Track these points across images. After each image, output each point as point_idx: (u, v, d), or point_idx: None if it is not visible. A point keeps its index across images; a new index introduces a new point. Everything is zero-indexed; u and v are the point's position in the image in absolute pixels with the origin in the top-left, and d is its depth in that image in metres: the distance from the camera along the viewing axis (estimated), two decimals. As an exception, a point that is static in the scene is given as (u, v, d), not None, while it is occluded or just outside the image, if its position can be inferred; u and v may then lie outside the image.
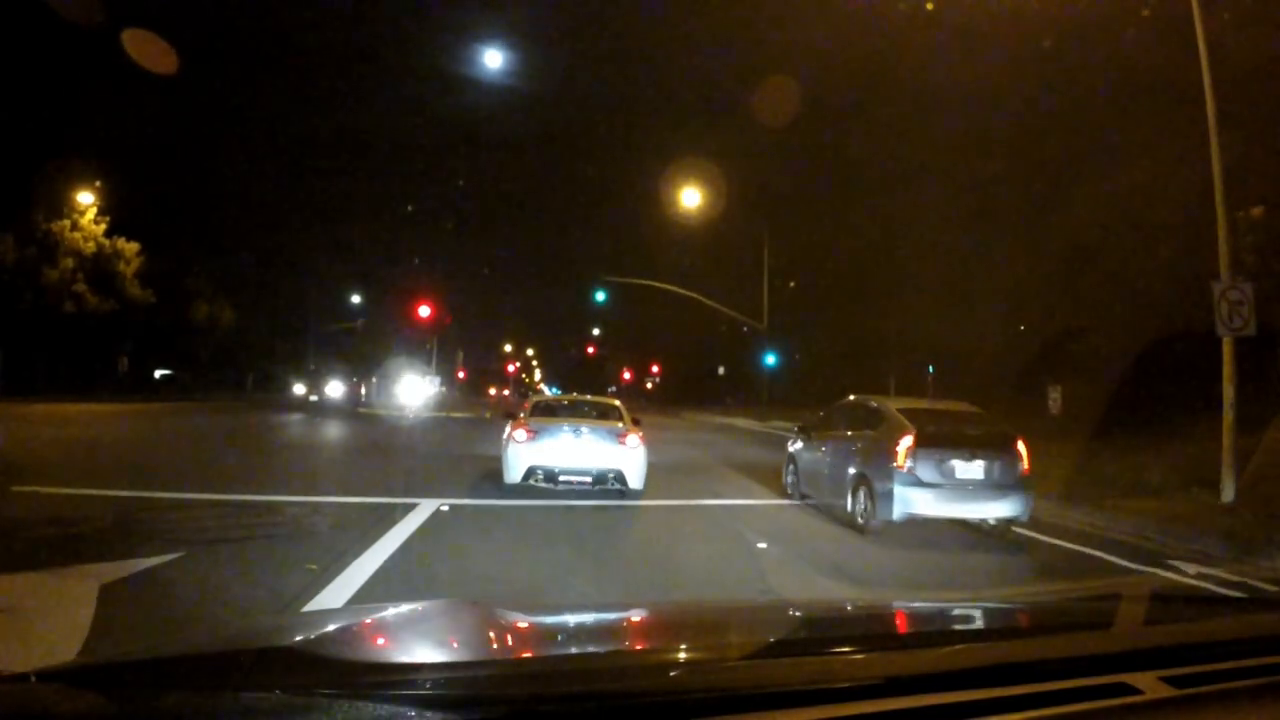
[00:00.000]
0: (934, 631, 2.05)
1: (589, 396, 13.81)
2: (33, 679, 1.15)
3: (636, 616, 2.34)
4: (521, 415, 10.72)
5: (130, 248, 40.81)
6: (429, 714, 1.08)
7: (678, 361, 73.19)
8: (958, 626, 2.09)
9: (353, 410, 30.63)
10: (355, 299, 74.51)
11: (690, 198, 34.73)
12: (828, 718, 1.21)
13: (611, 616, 2.35)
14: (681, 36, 57.90)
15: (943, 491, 8.38)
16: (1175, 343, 17.53)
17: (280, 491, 9.48)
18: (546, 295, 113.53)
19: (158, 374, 54.67)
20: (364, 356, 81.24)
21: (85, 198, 38.91)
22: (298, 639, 1.55)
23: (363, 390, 33.75)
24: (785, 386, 46.28)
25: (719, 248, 50.98)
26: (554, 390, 73.23)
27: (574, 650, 1.84)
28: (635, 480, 9.99)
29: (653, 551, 7.58)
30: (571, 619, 2.23)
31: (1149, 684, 1.37)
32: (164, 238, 43.84)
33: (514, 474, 9.91)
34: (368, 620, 1.79)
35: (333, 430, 22.71)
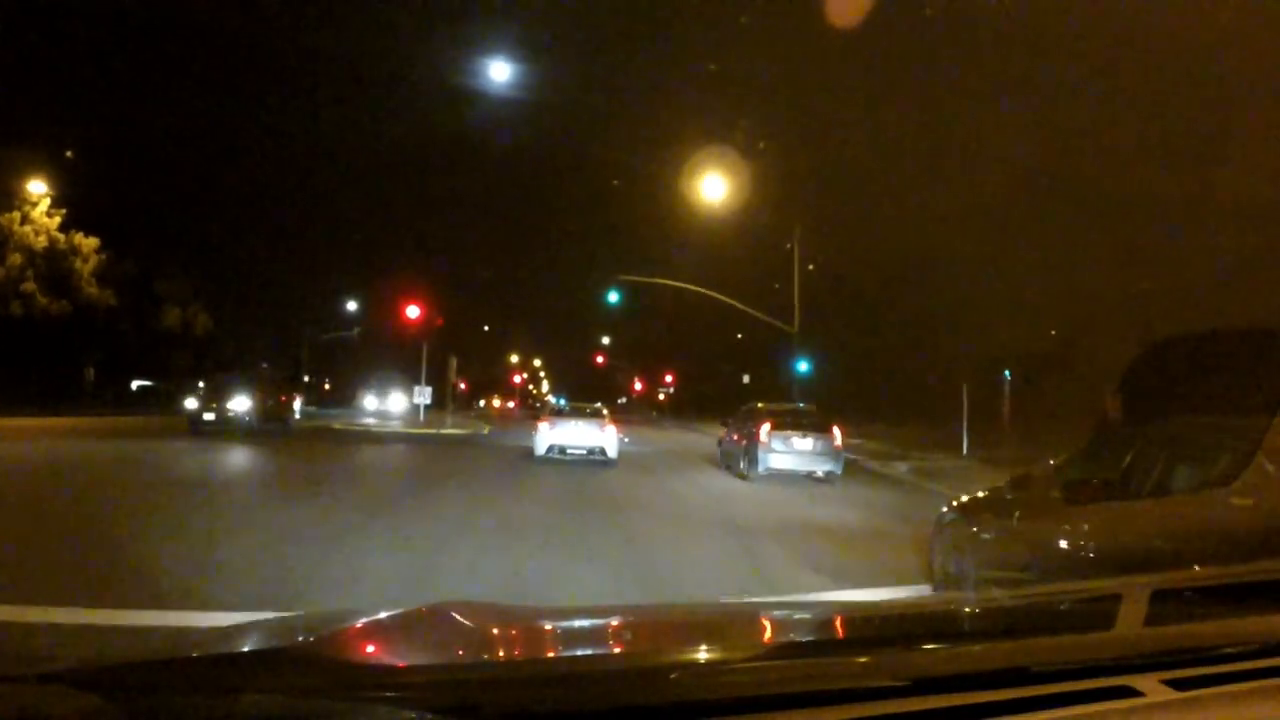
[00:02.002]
0: (933, 633, 1.85)
1: (588, 405, 19.75)
2: (32, 680, 1.13)
3: (639, 618, 2.25)
4: (545, 416, 18.46)
5: (88, 243, 36.59)
6: (430, 716, 1.07)
7: (696, 371, 68.83)
8: (958, 627, 2.03)
9: (280, 430, 22.22)
10: (351, 306, 70.83)
11: (712, 187, 30.67)
12: (826, 719, 1.21)
13: (613, 618, 2.22)
14: (697, 22, 53.66)
15: (788, 456, 14.52)
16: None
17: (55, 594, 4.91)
18: (554, 306, 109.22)
19: (135, 385, 50.55)
20: (359, 364, 77.72)
21: (37, 187, 34.70)
22: (297, 641, 1.53)
23: (296, 404, 25.32)
24: (827, 397, 41.73)
25: (743, 247, 46.62)
26: (561, 401, 70.24)
27: (575, 652, 1.79)
28: (612, 452, 16.84)
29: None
30: (573, 621, 2.13)
31: (1150, 686, 1.36)
32: (134, 237, 39.78)
33: (540, 450, 16.71)
34: (369, 622, 1.67)
35: (237, 459, 15.82)
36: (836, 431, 14.88)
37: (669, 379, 75.14)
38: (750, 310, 37.97)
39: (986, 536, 5.10)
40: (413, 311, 29.53)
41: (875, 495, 13.58)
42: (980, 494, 5.75)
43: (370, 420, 34.38)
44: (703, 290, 37.59)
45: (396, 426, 28.82)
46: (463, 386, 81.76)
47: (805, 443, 14.57)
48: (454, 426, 28.32)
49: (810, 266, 38.85)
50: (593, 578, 6.31)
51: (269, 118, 61.19)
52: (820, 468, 14.69)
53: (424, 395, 29.72)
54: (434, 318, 29.47)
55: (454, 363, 29.14)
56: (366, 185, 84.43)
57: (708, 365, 64.03)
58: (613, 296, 36.23)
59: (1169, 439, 4.11)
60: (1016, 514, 4.93)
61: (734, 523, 9.70)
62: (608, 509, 10.43)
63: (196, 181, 46.72)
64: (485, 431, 28.40)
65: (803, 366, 38.16)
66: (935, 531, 5.87)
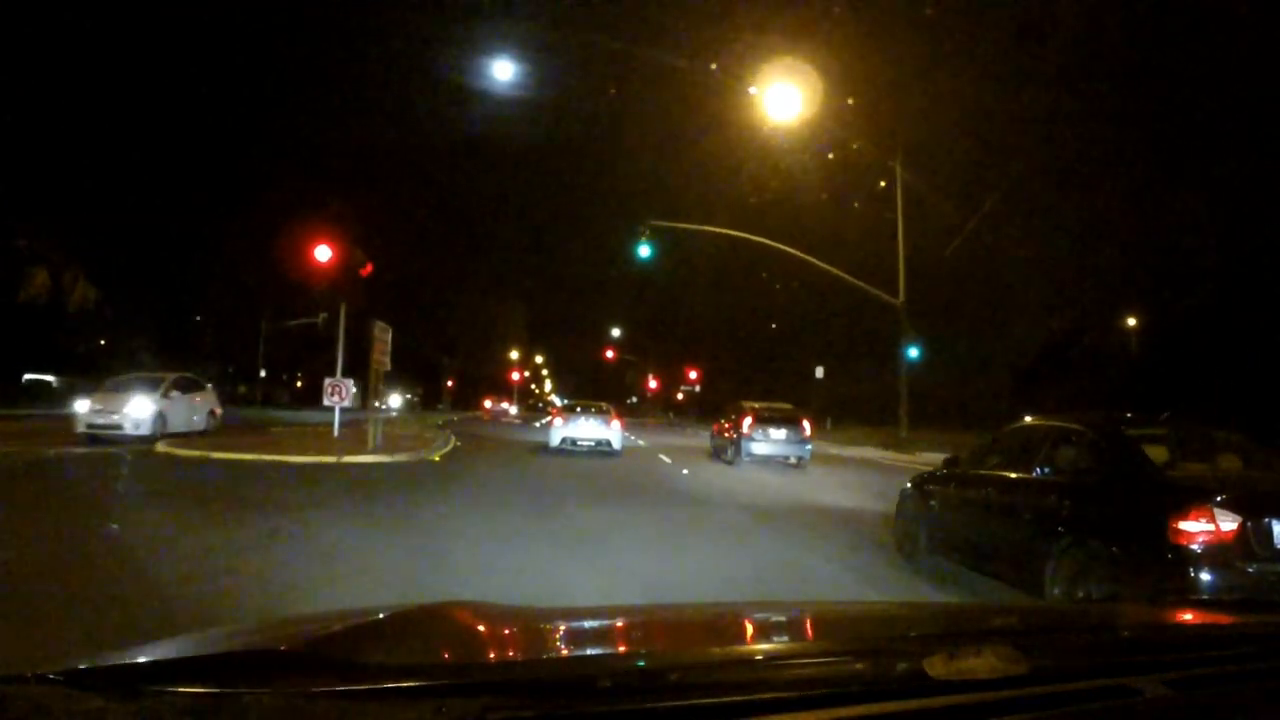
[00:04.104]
0: (933, 634, 1.84)
1: (595, 404, 21.66)
2: (31, 680, 1.12)
3: (639, 618, 2.20)
4: (558, 412, 22.56)
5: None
6: (430, 717, 1.06)
7: (735, 363, 57.03)
8: (958, 628, 1.96)
9: None
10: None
11: (780, 102, 20.28)
12: (826, 719, 1.20)
13: (613, 619, 2.17)
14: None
15: (765, 444, 17.34)
16: None
17: None
18: (559, 294, 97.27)
19: (26, 378, 38.93)
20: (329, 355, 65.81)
21: None
22: (299, 640, 1.50)
23: None
24: (940, 393, 30.08)
25: (809, 203, 34.67)
26: (563, 402, 59.68)
27: (575, 653, 1.75)
28: (617, 444, 19.49)
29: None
30: (573, 622, 2.05)
31: (1149, 686, 1.35)
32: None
33: (554, 441, 19.33)
34: (369, 622, 1.63)
35: None
36: (806, 424, 17.92)
37: (693, 375, 63.36)
38: (831, 269, 26.27)
39: (933, 504, 6.84)
40: (323, 254, 17.81)
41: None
42: (928, 473, 7.53)
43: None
44: (763, 240, 26.04)
45: (165, 447, 14.98)
46: (449, 384, 70.24)
47: (780, 433, 17.49)
48: (389, 450, 16.24)
49: (882, 184, 26.99)
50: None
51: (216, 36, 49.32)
52: (792, 454, 17.71)
53: (344, 393, 17.87)
54: (357, 262, 17.58)
55: (384, 335, 17.12)
56: (341, 151, 72.40)
57: (758, 356, 52.33)
58: (644, 251, 25.58)
59: (1046, 433, 5.83)
60: (951, 486, 6.70)
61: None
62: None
63: (108, 121, 35.20)
64: (436, 458, 16.45)
65: (913, 352, 27.50)
66: (899, 502, 7.62)
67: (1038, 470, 5.54)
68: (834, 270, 26.42)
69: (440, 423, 33.59)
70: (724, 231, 26.88)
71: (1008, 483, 5.84)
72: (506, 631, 1.77)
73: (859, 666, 1.36)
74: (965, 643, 1.39)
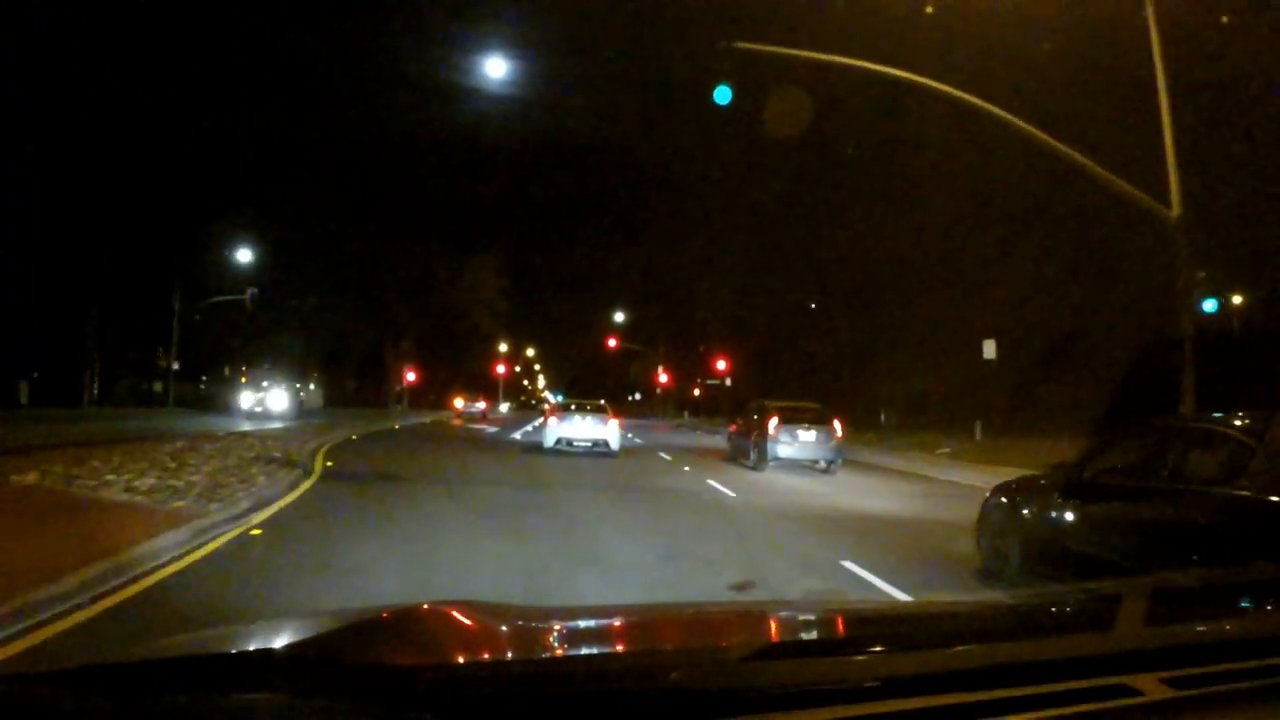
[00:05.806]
0: (934, 632, 1.92)
1: (591, 401, 20.88)
2: (31, 680, 1.14)
3: (634, 617, 2.25)
4: (553, 410, 21.31)
5: None
6: (429, 716, 1.07)
7: (814, 336, 44.35)
8: (957, 627, 2.01)
9: None
10: (245, 257, 46.27)
11: None
12: (826, 719, 1.19)
13: (612, 618, 2.22)
14: None
15: (792, 446, 16.40)
16: None
17: None
18: (552, 278, 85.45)
19: None
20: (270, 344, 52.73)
21: None
22: (298, 641, 1.52)
23: None
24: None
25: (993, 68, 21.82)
26: (559, 398, 47.21)
27: (574, 652, 1.76)
28: (614, 444, 18.89)
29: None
30: (571, 621, 2.11)
31: (1149, 685, 1.35)
32: None
33: (549, 441, 18.82)
34: (367, 622, 1.68)
35: None
36: (837, 425, 16.75)
37: (721, 365, 50.56)
38: (1061, 148, 13.19)
39: (1028, 516, 6.12)
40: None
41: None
42: (1018, 479, 6.99)
43: None
44: (933, 84, 13.14)
45: None
46: (412, 377, 57.03)
47: (809, 435, 16.44)
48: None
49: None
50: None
51: None
52: (822, 457, 16.65)
53: None
54: None
55: None
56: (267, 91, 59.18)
57: (829, 333, 39.61)
58: (723, 95, 13.08)
59: (1179, 434, 5.31)
60: (1056, 496, 5.85)
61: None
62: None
63: None
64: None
65: (1209, 305, 18.60)
66: (981, 515, 6.81)
67: (1177, 476, 5.06)
68: (1064, 149, 13.45)
69: (347, 438, 20.00)
70: (852, 63, 13.95)
71: (1141, 492, 5.27)
72: (505, 631, 1.77)
73: (861, 665, 1.35)
74: (965, 641, 1.45)
